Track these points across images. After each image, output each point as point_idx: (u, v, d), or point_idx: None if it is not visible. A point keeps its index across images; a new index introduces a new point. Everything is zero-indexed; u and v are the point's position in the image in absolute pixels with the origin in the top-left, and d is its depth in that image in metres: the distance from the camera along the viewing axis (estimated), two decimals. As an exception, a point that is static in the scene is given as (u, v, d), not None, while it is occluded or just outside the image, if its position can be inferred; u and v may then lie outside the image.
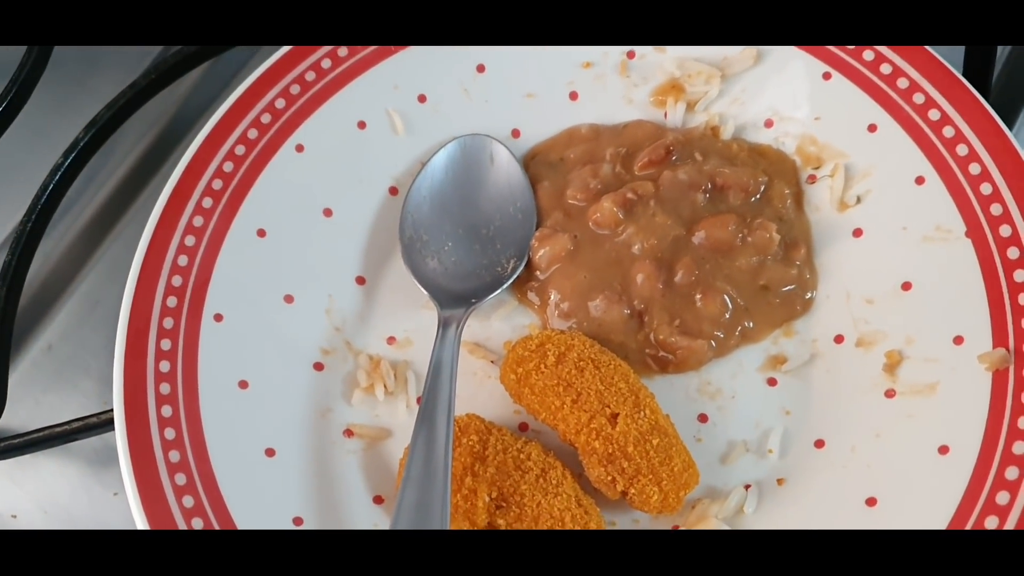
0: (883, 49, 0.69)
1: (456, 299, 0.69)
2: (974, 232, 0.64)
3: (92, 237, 0.85)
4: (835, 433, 0.63)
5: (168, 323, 0.65)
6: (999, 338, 0.61)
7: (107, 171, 0.86)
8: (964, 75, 0.67)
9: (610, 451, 0.60)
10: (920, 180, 0.66)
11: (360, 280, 0.72)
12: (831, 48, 0.70)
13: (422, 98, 0.75)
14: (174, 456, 0.61)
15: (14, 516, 0.77)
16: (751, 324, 0.67)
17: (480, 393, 0.68)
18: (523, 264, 0.71)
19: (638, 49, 0.75)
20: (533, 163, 0.76)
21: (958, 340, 0.62)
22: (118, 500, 0.77)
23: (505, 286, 0.70)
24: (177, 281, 0.66)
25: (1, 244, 0.86)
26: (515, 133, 0.76)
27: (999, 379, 0.59)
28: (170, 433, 0.61)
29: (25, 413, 0.77)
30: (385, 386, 0.68)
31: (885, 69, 0.68)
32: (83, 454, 0.77)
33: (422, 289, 0.70)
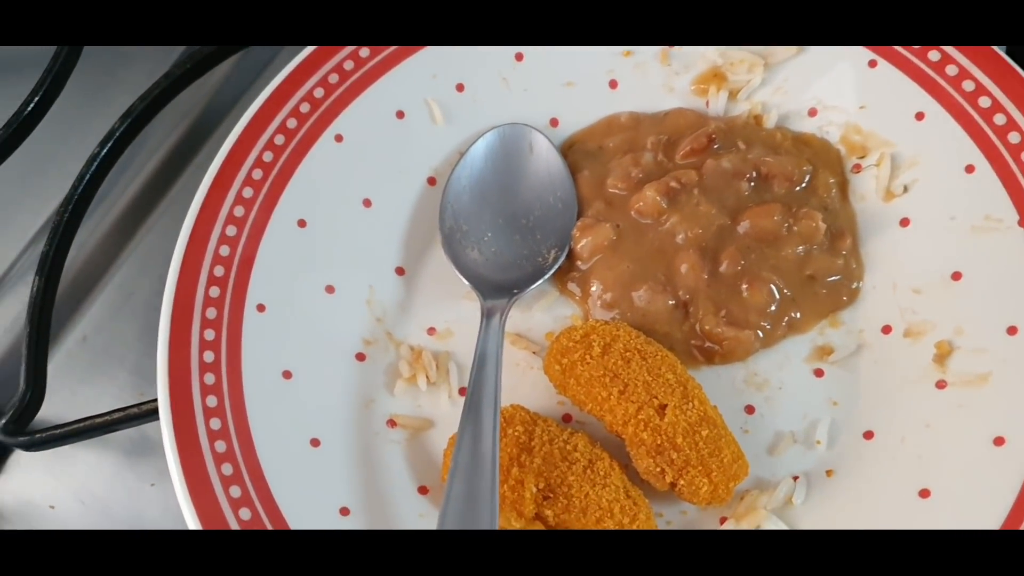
0: (930, 36, 0.68)
1: (498, 290, 0.69)
2: (1026, 221, 0.63)
3: (126, 228, 0.85)
4: (884, 424, 0.63)
5: (211, 313, 0.64)
6: (1052, 328, 0.60)
7: (140, 162, 0.86)
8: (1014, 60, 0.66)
9: (659, 442, 0.60)
10: (970, 169, 0.65)
11: (400, 270, 0.72)
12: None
13: (460, 87, 0.74)
14: (220, 447, 0.60)
15: (52, 507, 0.77)
16: (798, 315, 0.66)
17: (523, 384, 0.68)
18: (564, 254, 0.70)
19: (679, 37, 0.74)
20: (571, 152, 0.75)
21: (1011, 330, 0.61)
22: (155, 491, 0.77)
23: (546, 276, 0.69)
24: (219, 271, 0.66)
25: (36, 234, 0.86)
26: (554, 122, 0.75)
27: (1054, 369, 0.59)
28: (216, 423, 0.61)
29: (62, 403, 0.77)
30: (427, 376, 0.68)
31: (933, 56, 0.67)
32: (120, 445, 0.77)
33: (463, 280, 0.69)
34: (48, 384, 0.76)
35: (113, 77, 0.91)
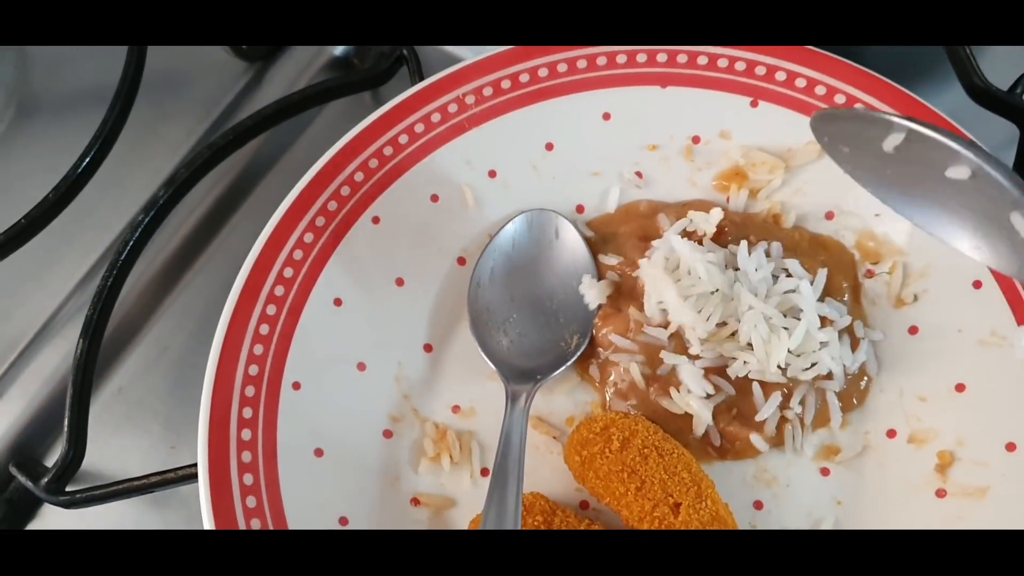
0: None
1: (522, 374, 0.72)
2: (1030, 340, 0.66)
3: (163, 285, 0.88)
4: (884, 527, 0.66)
5: (250, 391, 0.68)
6: (1051, 448, 0.63)
7: (177, 221, 0.89)
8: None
9: (671, 538, 0.63)
10: (977, 284, 0.69)
11: (428, 347, 0.75)
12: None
13: (492, 173, 0.78)
14: (255, 524, 0.64)
15: (83, 555, 0.80)
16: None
17: (542, 467, 0.71)
18: (587, 342, 0.73)
19: (703, 135, 0.77)
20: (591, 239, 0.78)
21: (1010, 447, 0.64)
22: (183, 544, 0.80)
23: (569, 364, 0.72)
24: (259, 350, 0.69)
25: (76, 286, 0.89)
26: (579, 209, 0.79)
27: (1049, 489, 0.62)
28: (251, 501, 0.64)
29: (96, 453, 0.80)
30: (451, 456, 0.71)
31: (947, 174, 0.70)
32: (154, 501, 0.80)
33: (489, 362, 0.73)
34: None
35: (153, 133, 0.95)
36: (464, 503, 0.70)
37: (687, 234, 0.75)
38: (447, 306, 0.76)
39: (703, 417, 0.68)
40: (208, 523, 0.63)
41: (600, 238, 0.78)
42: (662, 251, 0.73)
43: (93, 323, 0.76)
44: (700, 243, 0.73)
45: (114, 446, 0.83)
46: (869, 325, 0.72)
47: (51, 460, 0.82)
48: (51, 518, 0.81)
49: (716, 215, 0.73)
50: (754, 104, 0.75)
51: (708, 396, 0.69)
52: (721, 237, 0.75)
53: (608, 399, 0.72)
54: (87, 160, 0.81)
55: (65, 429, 0.74)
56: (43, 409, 0.84)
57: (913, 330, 0.71)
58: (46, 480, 0.73)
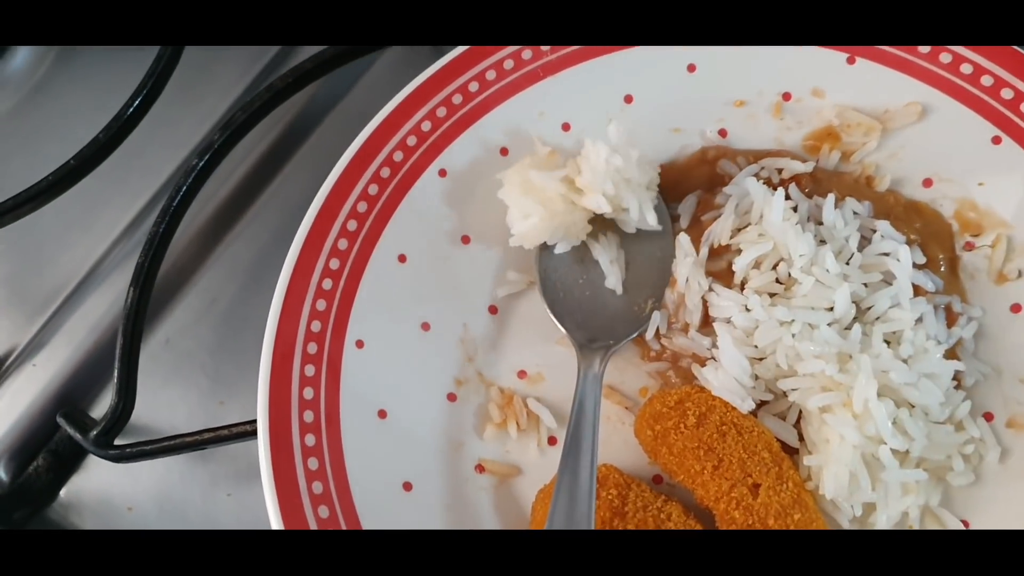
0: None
1: (593, 339, 0.68)
2: None
3: (213, 234, 0.85)
4: (980, 518, 0.62)
5: (312, 348, 0.65)
6: None
7: (229, 167, 0.85)
8: None
9: (750, 522, 0.59)
10: (1091, 261, 0.64)
11: (493, 309, 0.71)
12: (1004, 111, 0.67)
13: (566, 127, 0.73)
14: (317, 488, 0.61)
15: (130, 509, 0.79)
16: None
17: (614, 439, 0.67)
18: (659, 305, 0.69)
19: (795, 91, 0.72)
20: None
21: (1123, 437, 0.60)
22: (231, 501, 0.78)
23: (643, 328, 0.69)
24: (321, 305, 0.66)
25: (123, 232, 0.86)
26: (658, 168, 0.74)
27: None
28: (313, 463, 0.62)
29: (143, 406, 0.77)
30: (518, 423, 0.68)
31: (1065, 141, 0.66)
32: (201, 453, 0.78)
33: (559, 326, 0.69)
34: (132, 386, 0.77)
35: (207, 74, 0.91)
36: (530, 472, 0.67)
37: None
38: (515, 266, 0.72)
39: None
40: (268, 486, 0.60)
41: (670, 184, 0.73)
42: (735, 196, 0.68)
43: (144, 271, 0.73)
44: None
45: (161, 399, 0.81)
46: (967, 301, 0.67)
47: (97, 411, 0.80)
48: (95, 471, 0.79)
49: (797, 164, 0.69)
50: (851, 61, 0.70)
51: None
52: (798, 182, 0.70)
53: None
54: (139, 99, 0.78)
55: (115, 381, 0.71)
56: (90, 358, 0.81)
57: (1016, 308, 0.66)
58: (95, 432, 0.71)
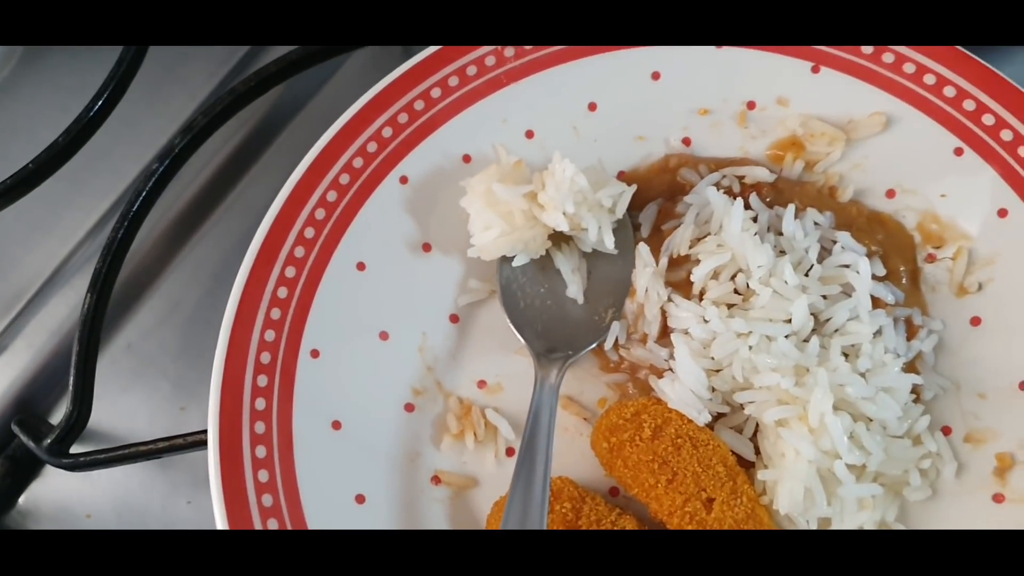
0: (1025, 130, 0.66)
1: (552, 349, 0.68)
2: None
3: (177, 237, 0.84)
4: (934, 528, 0.62)
5: (265, 358, 0.64)
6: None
7: (193, 171, 0.85)
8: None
9: (706, 535, 0.59)
10: (1050, 275, 0.64)
11: (453, 318, 0.71)
12: (967, 123, 0.67)
13: (530, 134, 0.73)
14: (267, 500, 0.60)
15: (89, 516, 0.78)
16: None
17: (572, 450, 0.67)
18: (619, 315, 0.69)
19: (759, 100, 0.72)
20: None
21: (1079, 453, 0.60)
22: (191, 508, 0.77)
23: (602, 338, 0.68)
24: (276, 314, 0.65)
25: (87, 234, 0.85)
26: (621, 175, 0.74)
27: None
28: (263, 475, 0.61)
29: (102, 411, 0.77)
30: (475, 433, 0.67)
31: (1024, 153, 0.65)
32: (160, 460, 0.77)
33: (518, 336, 0.68)
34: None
35: (172, 74, 0.90)
36: (487, 483, 0.66)
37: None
38: (476, 275, 0.72)
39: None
40: (216, 497, 0.60)
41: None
42: (695, 205, 0.68)
43: (102, 277, 0.72)
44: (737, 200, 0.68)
45: (122, 404, 0.80)
46: (928, 313, 0.67)
47: (56, 417, 0.79)
48: (54, 477, 0.78)
49: (760, 171, 0.69)
50: (815, 70, 0.70)
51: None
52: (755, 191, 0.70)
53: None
54: (100, 102, 0.76)
55: (70, 389, 0.71)
56: (49, 363, 0.80)
57: (975, 321, 0.66)
58: (49, 441, 0.70)
